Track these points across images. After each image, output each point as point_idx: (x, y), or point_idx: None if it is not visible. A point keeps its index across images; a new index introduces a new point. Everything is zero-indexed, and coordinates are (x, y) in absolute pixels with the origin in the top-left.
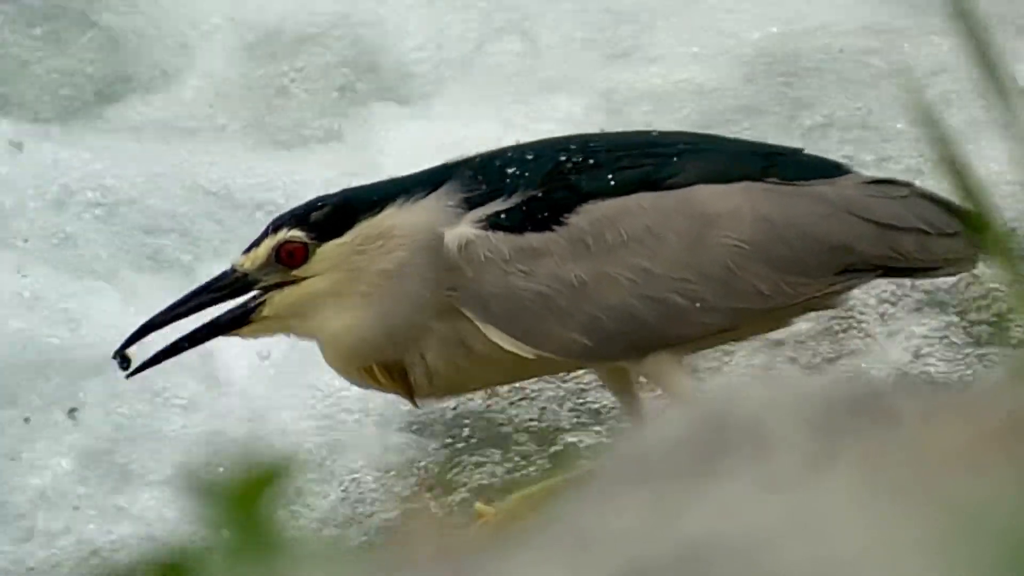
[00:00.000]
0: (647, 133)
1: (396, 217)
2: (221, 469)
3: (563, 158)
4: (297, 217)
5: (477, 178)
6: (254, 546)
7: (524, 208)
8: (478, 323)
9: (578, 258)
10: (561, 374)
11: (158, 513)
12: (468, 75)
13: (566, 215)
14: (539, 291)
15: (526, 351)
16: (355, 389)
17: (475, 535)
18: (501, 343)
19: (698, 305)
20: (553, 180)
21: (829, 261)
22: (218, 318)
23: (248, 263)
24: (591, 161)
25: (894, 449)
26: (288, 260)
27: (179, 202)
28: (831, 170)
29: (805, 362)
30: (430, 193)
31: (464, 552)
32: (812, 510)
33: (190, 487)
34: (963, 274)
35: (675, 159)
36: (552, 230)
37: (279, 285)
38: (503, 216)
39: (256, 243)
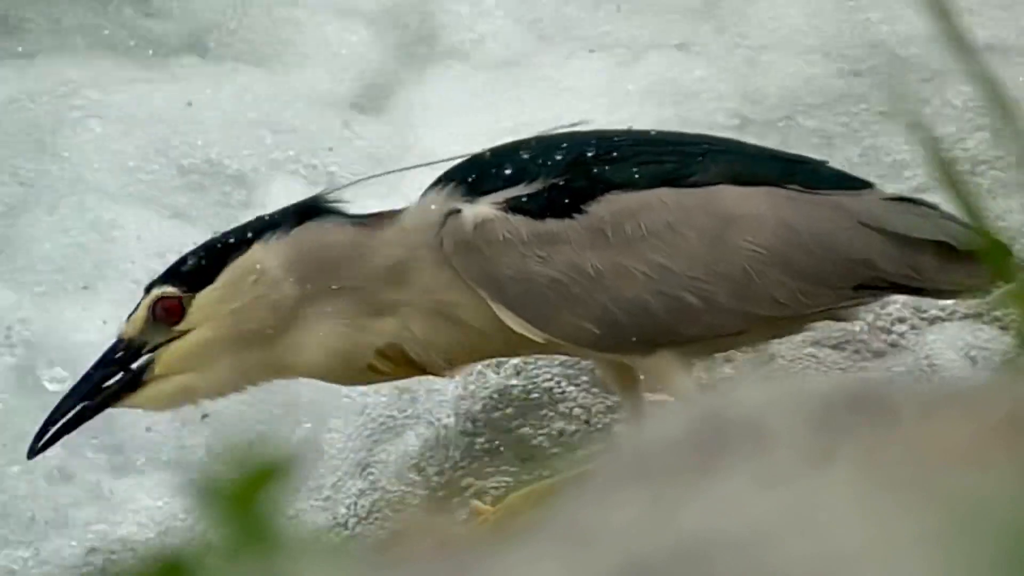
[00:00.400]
0: (672, 132)
1: (265, 251)
2: (221, 467)
3: (587, 150)
4: (168, 273)
5: (490, 165)
6: (253, 545)
7: (546, 194)
8: (491, 303)
9: (596, 248)
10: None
11: (158, 511)
12: (551, 50)
13: (588, 204)
14: (554, 277)
15: (536, 335)
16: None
17: (473, 533)
18: (512, 324)
19: (711, 306)
20: (576, 170)
21: (848, 274)
22: (111, 385)
23: (130, 329)
24: (615, 154)
25: (894, 445)
26: (166, 317)
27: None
28: (853, 184)
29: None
30: (303, 222)
31: (463, 550)
32: (811, 506)
33: (190, 484)
34: (979, 296)
35: (700, 158)
36: (572, 218)
37: (167, 344)
38: (524, 200)
39: (136, 307)
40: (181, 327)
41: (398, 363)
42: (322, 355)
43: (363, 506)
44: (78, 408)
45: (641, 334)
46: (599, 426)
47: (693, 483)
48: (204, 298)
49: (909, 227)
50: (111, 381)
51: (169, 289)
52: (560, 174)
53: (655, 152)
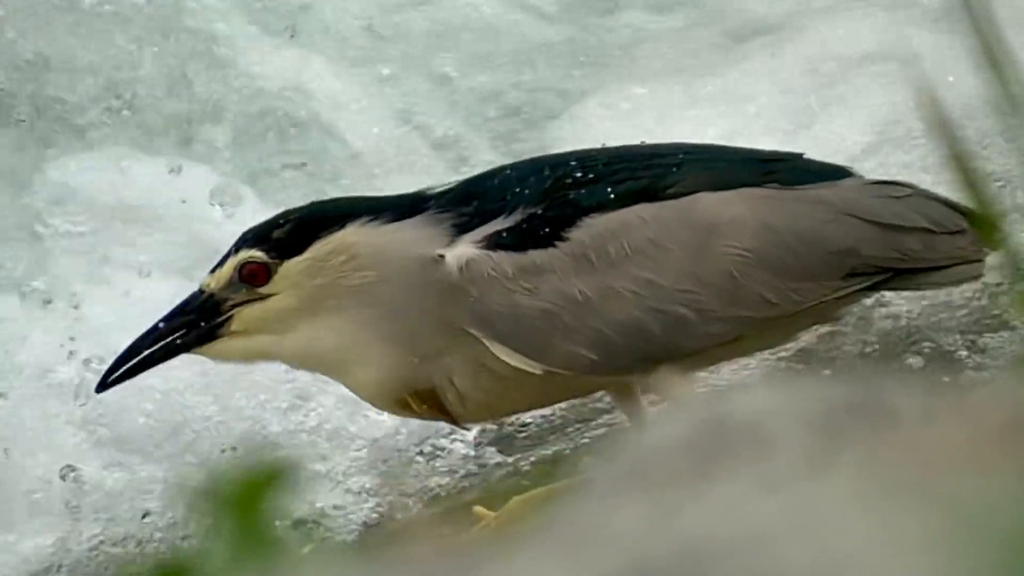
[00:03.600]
0: (646, 145)
1: (358, 235)
2: (222, 468)
3: (562, 174)
4: (258, 236)
5: (470, 199)
6: (253, 547)
7: (525, 225)
8: (485, 341)
9: (581, 273)
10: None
11: (159, 512)
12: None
13: (567, 230)
14: (544, 308)
15: (533, 367)
16: None
17: (475, 537)
18: (508, 360)
19: (704, 316)
20: (553, 196)
21: (834, 265)
22: (186, 334)
23: (214, 283)
24: (590, 175)
25: (894, 449)
26: (251, 279)
27: None
28: (832, 174)
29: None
30: (402, 218)
31: (465, 554)
32: (812, 510)
33: (191, 487)
34: (972, 276)
35: (675, 169)
36: (554, 246)
37: (248, 303)
38: (504, 235)
39: (221, 262)
40: (265, 290)
41: (429, 406)
42: (366, 374)
43: (365, 509)
44: (150, 350)
45: (638, 353)
46: (599, 430)
47: (694, 487)
48: (291, 268)
49: (890, 211)
50: (186, 330)
51: (257, 254)
52: (537, 202)
53: (630, 168)
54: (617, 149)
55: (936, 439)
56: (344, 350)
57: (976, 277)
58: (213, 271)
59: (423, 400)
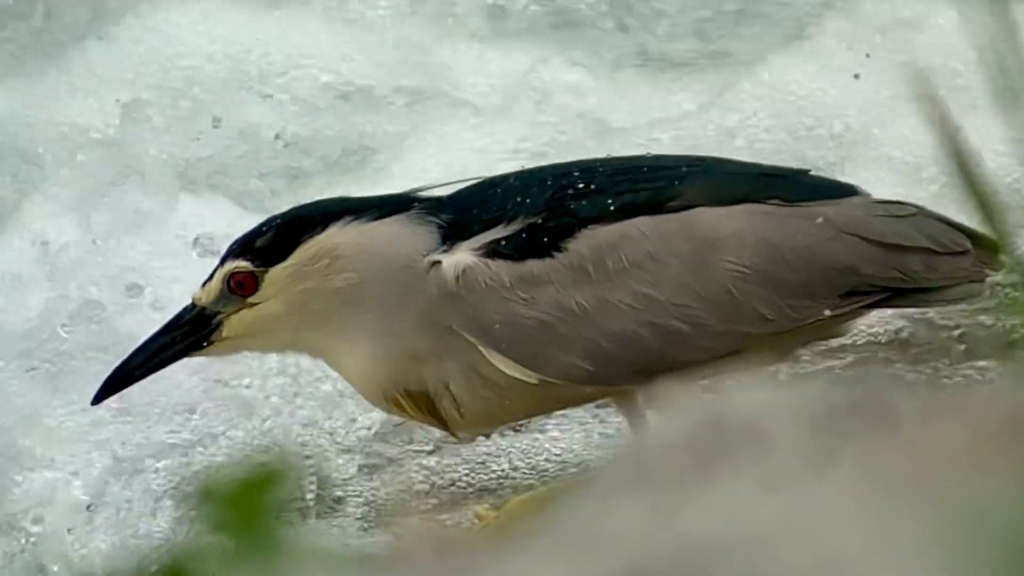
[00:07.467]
0: (650, 157)
1: (339, 235)
2: (221, 469)
3: (564, 184)
4: (242, 245)
5: (463, 204)
6: (253, 547)
7: (524, 235)
8: (482, 349)
9: (579, 284)
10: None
11: (159, 515)
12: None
13: (566, 241)
14: (541, 318)
15: (529, 376)
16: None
17: (476, 537)
18: (504, 368)
19: (700, 330)
20: (553, 206)
21: (833, 283)
22: (178, 344)
23: (204, 297)
24: (592, 186)
25: (894, 449)
26: (239, 290)
27: None
28: (837, 191)
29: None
30: (383, 216)
31: (464, 553)
32: (812, 510)
33: (191, 488)
34: (973, 296)
35: (676, 182)
36: (552, 256)
37: (237, 311)
38: (503, 243)
39: (211, 276)
40: (253, 300)
41: (421, 409)
42: (354, 369)
43: (366, 509)
44: (145, 362)
45: (634, 365)
46: (602, 430)
47: (694, 487)
48: (276, 275)
49: (892, 230)
50: (179, 340)
51: (243, 264)
52: (538, 212)
53: (632, 180)
54: (621, 160)
55: (936, 439)
56: (332, 349)
57: (977, 296)
58: (203, 285)
59: (416, 403)
